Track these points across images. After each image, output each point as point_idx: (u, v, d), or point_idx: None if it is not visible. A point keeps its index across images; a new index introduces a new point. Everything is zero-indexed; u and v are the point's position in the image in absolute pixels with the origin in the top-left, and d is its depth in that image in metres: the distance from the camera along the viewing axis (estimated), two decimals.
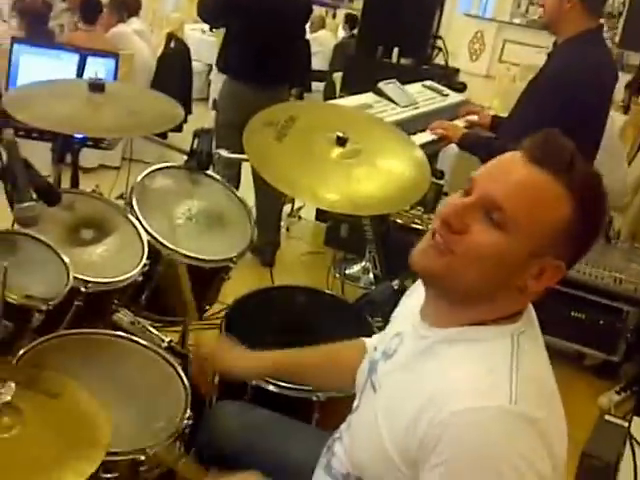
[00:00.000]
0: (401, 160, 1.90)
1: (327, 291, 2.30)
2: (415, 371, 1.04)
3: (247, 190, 3.53)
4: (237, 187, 3.44)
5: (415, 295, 1.19)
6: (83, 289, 1.59)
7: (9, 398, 1.12)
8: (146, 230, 1.83)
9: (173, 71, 4.80)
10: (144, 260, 1.76)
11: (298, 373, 1.50)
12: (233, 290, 2.08)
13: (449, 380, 0.96)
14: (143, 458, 1.37)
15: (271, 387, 1.71)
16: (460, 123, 2.97)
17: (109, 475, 1.34)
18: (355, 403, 1.24)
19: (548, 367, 1.03)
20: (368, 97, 2.89)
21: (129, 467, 1.38)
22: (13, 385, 1.14)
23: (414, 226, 2.96)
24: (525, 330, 1.01)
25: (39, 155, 2.30)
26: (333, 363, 1.48)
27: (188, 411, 1.50)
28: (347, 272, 3.57)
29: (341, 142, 1.82)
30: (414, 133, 2.65)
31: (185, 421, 1.48)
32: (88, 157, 4.15)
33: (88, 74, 2.02)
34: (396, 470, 1.00)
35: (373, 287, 2.85)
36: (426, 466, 0.94)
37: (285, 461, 1.39)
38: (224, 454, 1.45)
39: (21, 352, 1.46)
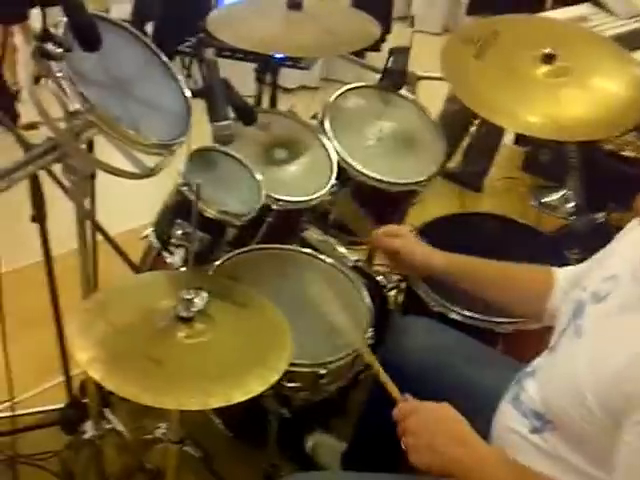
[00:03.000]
0: (617, 80, 1.70)
1: (521, 220, 2.17)
2: (632, 318, 0.96)
3: None
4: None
5: (635, 234, 1.09)
6: (275, 207, 1.64)
7: (202, 306, 1.20)
8: (336, 151, 1.83)
9: None
10: (333, 180, 1.77)
11: (472, 278, 1.42)
12: (422, 214, 2.04)
13: None
14: (323, 372, 1.43)
15: (454, 315, 1.68)
16: None
17: (292, 384, 1.42)
18: (552, 342, 1.17)
19: None
20: (584, 8, 2.61)
21: (310, 379, 1.45)
22: (206, 295, 1.21)
23: (625, 153, 2.67)
24: None
25: (243, 74, 2.40)
26: (508, 279, 1.39)
27: (370, 330, 1.52)
28: (544, 200, 3.35)
29: (548, 59, 1.66)
30: (636, 48, 2.34)
31: (367, 340, 1.51)
32: (289, 77, 4.25)
33: None
34: (593, 417, 0.94)
35: (573, 218, 2.65)
36: (630, 420, 0.88)
37: (472, 385, 1.35)
38: (408, 370, 1.43)
39: (217, 263, 1.57)
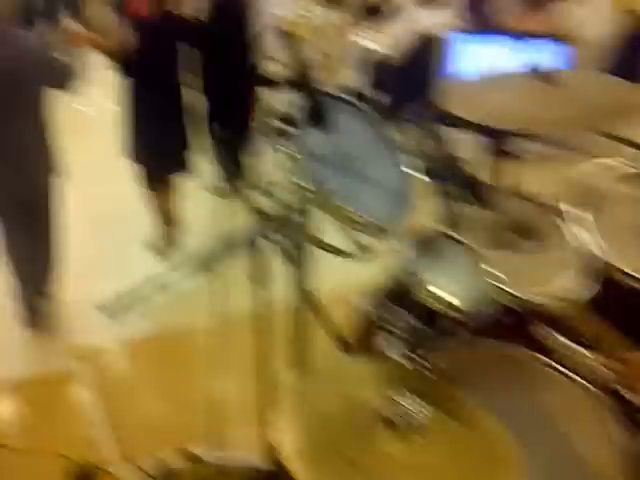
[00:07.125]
0: None
1: None
2: None
3: None
4: None
5: None
6: (504, 301, 1.42)
7: (417, 421, 1.03)
8: (587, 241, 1.56)
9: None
10: (580, 278, 1.49)
11: None
12: None
13: None
14: None
15: None
16: None
17: None
18: None
19: None
20: None
21: None
22: (424, 406, 1.04)
23: None
24: None
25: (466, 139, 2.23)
26: None
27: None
28: None
29: None
30: None
31: None
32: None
33: (535, 61, 1.82)
34: None
35: None
36: None
37: None
38: None
39: (433, 360, 1.39)
